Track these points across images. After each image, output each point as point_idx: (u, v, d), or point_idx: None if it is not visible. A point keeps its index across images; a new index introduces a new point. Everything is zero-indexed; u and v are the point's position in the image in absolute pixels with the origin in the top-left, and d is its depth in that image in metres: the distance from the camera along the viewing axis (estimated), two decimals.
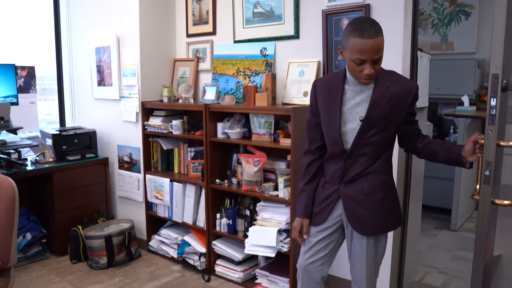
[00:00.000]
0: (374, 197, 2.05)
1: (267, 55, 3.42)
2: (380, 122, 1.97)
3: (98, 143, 4.17)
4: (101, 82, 4.18)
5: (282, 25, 3.32)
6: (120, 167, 4.14)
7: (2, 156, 3.64)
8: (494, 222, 1.84)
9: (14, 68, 3.79)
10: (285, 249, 3.03)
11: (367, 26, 1.83)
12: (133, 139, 3.97)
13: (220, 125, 3.34)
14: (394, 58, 2.76)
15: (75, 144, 4.01)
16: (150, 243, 3.96)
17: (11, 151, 3.73)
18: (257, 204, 3.18)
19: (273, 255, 3.01)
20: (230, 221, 3.32)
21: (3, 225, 2.34)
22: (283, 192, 3.02)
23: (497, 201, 1.70)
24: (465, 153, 1.90)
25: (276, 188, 3.12)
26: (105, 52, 4.09)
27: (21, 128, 3.68)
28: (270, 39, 3.41)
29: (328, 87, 2.09)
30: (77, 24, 4.39)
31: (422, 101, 3.11)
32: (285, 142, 3.02)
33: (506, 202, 1.69)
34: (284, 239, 3.03)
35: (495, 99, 1.63)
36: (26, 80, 4.15)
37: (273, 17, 3.38)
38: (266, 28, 3.42)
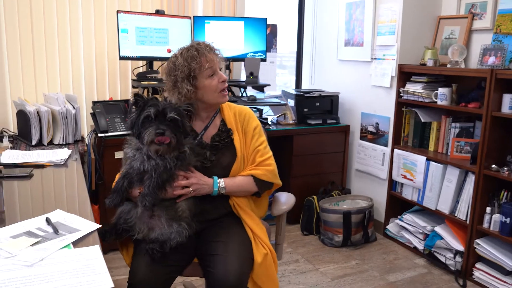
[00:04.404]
0: None
1: None
2: None
3: (339, 109, 3.80)
4: (349, 42, 3.78)
5: None
6: (362, 138, 3.71)
7: None
8: None
9: (265, 22, 3.61)
10: None
11: None
12: (382, 107, 3.48)
13: (508, 97, 2.62)
14: None
15: (317, 108, 3.70)
16: (387, 227, 3.48)
17: (253, 109, 3.59)
18: None
19: None
20: (507, 220, 2.63)
21: None
22: None
23: None
24: None
25: None
26: (357, 8, 3.65)
27: (269, 85, 3.50)
28: None
29: None
30: None
31: None
32: None
33: None
34: None
35: None
36: (268, 38, 3.98)
37: None
38: None
